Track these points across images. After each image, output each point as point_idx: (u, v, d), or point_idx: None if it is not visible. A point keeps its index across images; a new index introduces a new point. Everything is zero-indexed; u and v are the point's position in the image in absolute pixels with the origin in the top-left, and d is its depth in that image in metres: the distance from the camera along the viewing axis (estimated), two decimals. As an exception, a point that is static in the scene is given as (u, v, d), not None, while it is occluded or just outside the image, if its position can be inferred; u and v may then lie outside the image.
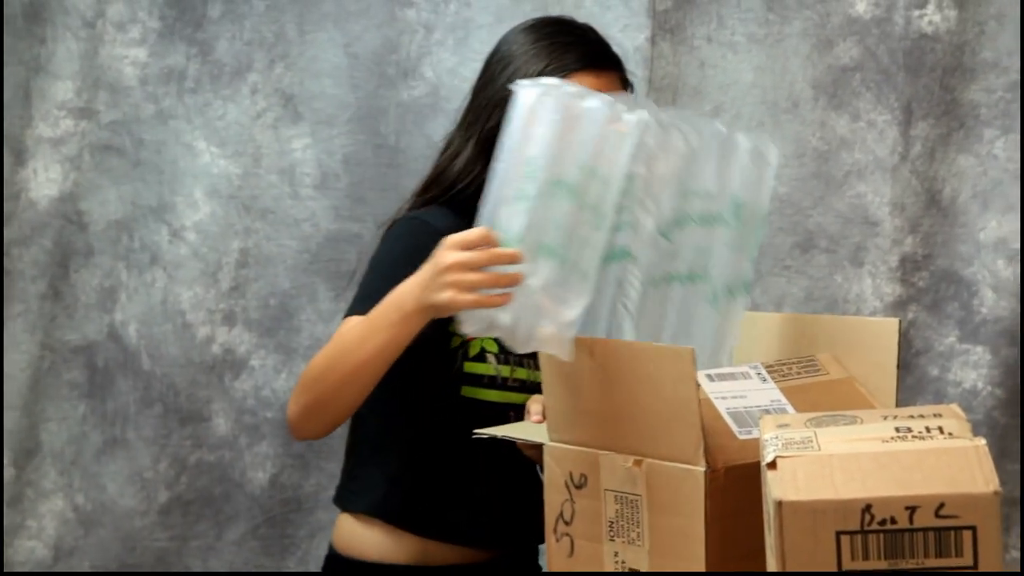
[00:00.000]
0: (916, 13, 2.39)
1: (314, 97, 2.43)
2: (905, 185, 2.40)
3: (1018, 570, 2.42)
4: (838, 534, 1.33)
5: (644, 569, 1.67)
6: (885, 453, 1.37)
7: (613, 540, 1.70)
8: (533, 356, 1.91)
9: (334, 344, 1.78)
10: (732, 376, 1.76)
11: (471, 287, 1.63)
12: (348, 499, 1.95)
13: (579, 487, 1.73)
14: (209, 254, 2.43)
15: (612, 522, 1.69)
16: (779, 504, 1.33)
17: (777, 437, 1.42)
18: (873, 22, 2.39)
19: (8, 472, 2.41)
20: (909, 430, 1.41)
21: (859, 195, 2.41)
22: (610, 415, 1.67)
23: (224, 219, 2.43)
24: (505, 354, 1.92)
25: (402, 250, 1.87)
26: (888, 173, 2.40)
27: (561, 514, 1.75)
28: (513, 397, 1.94)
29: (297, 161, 2.43)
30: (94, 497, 2.42)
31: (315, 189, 2.43)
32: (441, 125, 2.37)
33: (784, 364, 1.80)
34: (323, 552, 2.43)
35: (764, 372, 1.78)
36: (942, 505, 1.32)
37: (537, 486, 1.87)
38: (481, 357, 1.92)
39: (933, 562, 1.32)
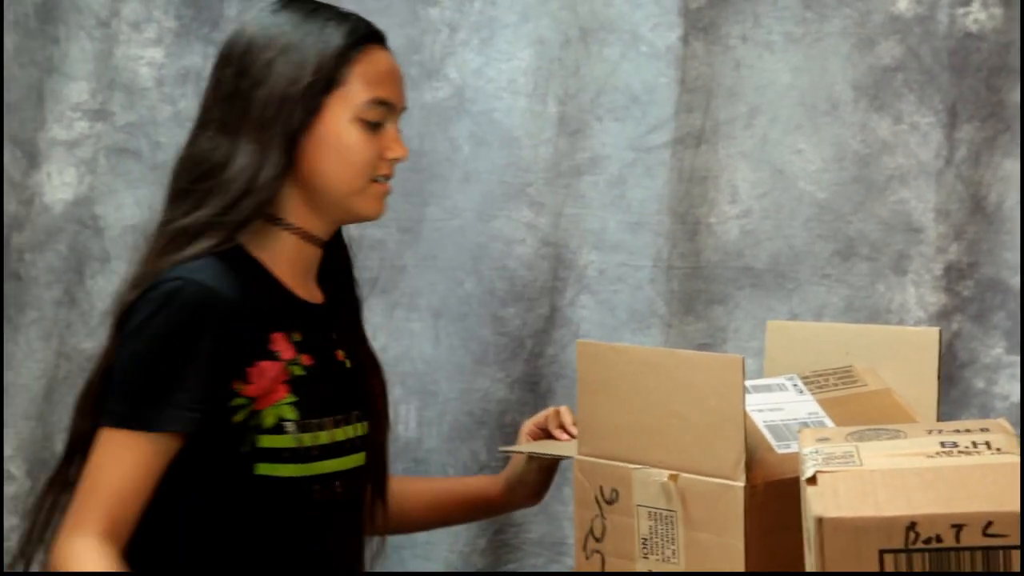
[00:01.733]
0: (960, 11, 2.35)
1: (336, 99, 2.41)
2: (950, 190, 2.37)
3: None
4: (881, 552, 1.31)
5: None
6: (930, 469, 1.36)
7: (647, 558, 1.68)
8: (337, 411, 1.77)
9: None
10: (768, 388, 1.77)
11: None
12: None
13: (610, 503, 1.71)
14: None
15: (646, 539, 1.67)
16: (820, 521, 1.32)
17: (817, 451, 1.42)
18: (916, 20, 2.35)
19: (23, 483, 2.40)
20: (955, 445, 1.41)
21: (902, 201, 2.37)
22: (647, 427, 1.66)
23: None
24: (305, 419, 1.72)
25: (189, 325, 1.64)
26: (932, 178, 2.36)
27: (591, 531, 1.74)
28: (317, 468, 1.73)
29: (318, 165, 2.41)
30: (107, 510, 2.40)
31: (337, 194, 2.41)
32: (465, 127, 2.38)
33: (820, 375, 1.80)
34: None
35: (801, 384, 1.78)
36: (990, 523, 1.30)
37: (353, 556, 1.79)
38: (278, 428, 1.69)
39: (981, 583, 1.31)
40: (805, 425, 1.69)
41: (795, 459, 1.58)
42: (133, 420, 1.64)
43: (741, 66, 2.38)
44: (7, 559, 2.37)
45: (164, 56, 2.41)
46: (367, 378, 1.87)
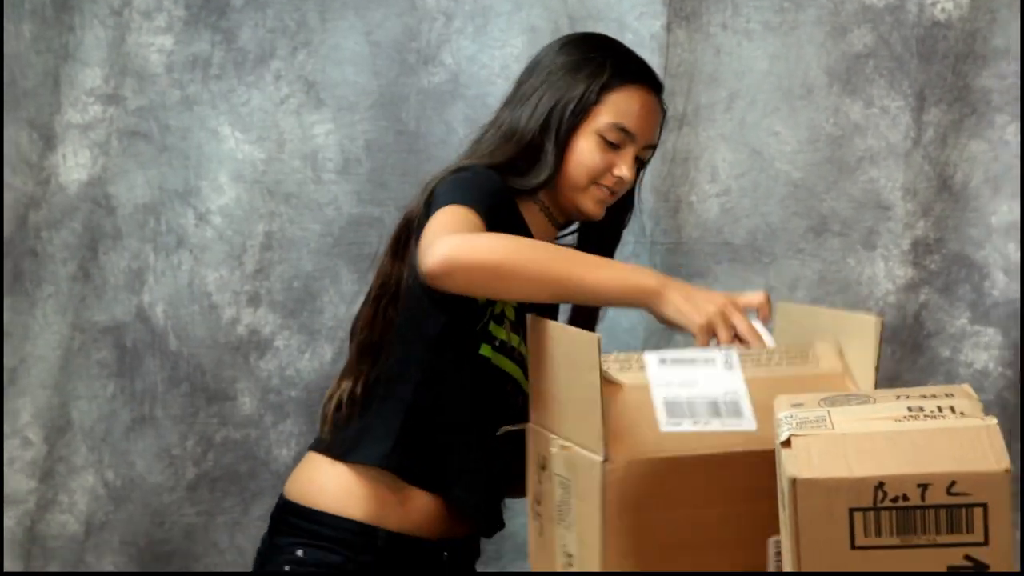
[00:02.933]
0: (929, 1, 2.39)
1: (336, 84, 2.44)
2: (917, 170, 2.41)
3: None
4: (851, 511, 1.34)
5: (573, 552, 1.65)
6: (898, 432, 1.38)
7: (560, 524, 1.70)
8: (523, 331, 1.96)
9: (548, 246, 1.84)
10: (690, 361, 1.67)
11: (731, 327, 1.73)
12: (348, 449, 1.95)
13: (544, 469, 1.74)
14: (234, 237, 2.44)
15: (559, 505, 1.69)
16: (793, 481, 1.34)
17: (791, 416, 1.43)
18: (886, 10, 2.39)
19: (41, 448, 2.43)
20: (921, 409, 1.42)
21: (872, 180, 2.42)
22: (556, 399, 1.67)
23: (248, 203, 2.44)
24: (519, 323, 1.95)
25: (495, 182, 1.94)
26: (901, 158, 2.41)
27: (536, 495, 1.77)
28: (512, 369, 1.96)
29: (320, 147, 2.44)
30: (123, 473, 2.44)
31: (337, 174, 2.44)
32: (460, 111, 2.42)
33: (766, 352, 1.73)
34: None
35: (735, 359, 1.68)
36: (953, 483, 1.33)
37: (506, 471, 1.90)
38: (500, 319, 1.95)
39: (944, 538, 1.33)
40: (713, 404, 1.63)
41: (678, 438, 1.57)
42: (469, 202, 1.86)
43: (721, 53, 2.42)
44: (26, 521, 2.44)
45: (174, 43, 2.43)
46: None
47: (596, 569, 1.57)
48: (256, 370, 2.45)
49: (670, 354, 1.66)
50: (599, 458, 1.55)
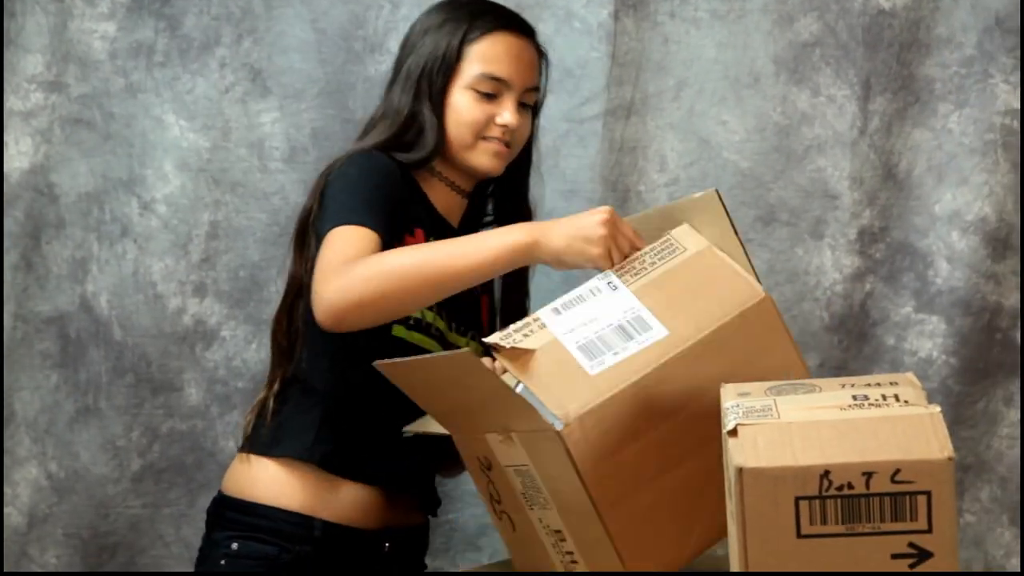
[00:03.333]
0: None
1: (282, 72, 2.42)
2: (864, 159, 2.43)
3: (960, 532, 2.46)
4: (797, 499, 1.35)
5: (560, 526, 1.67)
6: (843, 420, 1.39)
7: (532, 508, 1.71)
8: (451, 317, 2.02)
9: (415, 251, 1.83)
10: (580, 299, 1.71)
11: (621, 250, 1.74)
12: (270, 444, 1.97)
13: (490, 468, 1.74)
14: (179, 226, 2.42)
15: (523, 493, 1.70)
16: (740, 471, 1.35)
17: (738, 405, 1.44)
18: None
19: None
20: (866, 398, 1.44)
21: (819, 169, 2.43)
22: (462, 408, 1.69)
23: (194, 192, 2.42)
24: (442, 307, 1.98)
25: (383, 170, 1.96)
26: (847, 147, 2.42)
27: (491, 495, 1.78)
28: (430, 344, 1.97)
29: (266, 135, 2.43)
30: (67, 465, 2.42)
31: (284, 163, 2.43)
32: (408, 100, 2.42)
33: (636, 259, 1.75)
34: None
35: (615, 279, 1.72)
36: (898, 471, 1.34)
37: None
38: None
39: (889, 526, 1.35)
40: (620, 328, 1.66)
41: (608, 376, 1.60)
42: (356, 220, 1.87)
43: (669, 41, 2.42)
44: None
45: (117, 30, 2.40)
46: (479, 307, 2.11)
47: (598, 526, 1.60)
48: (202, 360, 2.44)
49: (559, 301, 1.69)
50: (551, 430, 1.57)
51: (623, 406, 1.60)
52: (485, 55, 2.01)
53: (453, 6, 2.07)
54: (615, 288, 1.71)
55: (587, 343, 1.65)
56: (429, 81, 2.01)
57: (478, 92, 2.00)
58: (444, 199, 2.06)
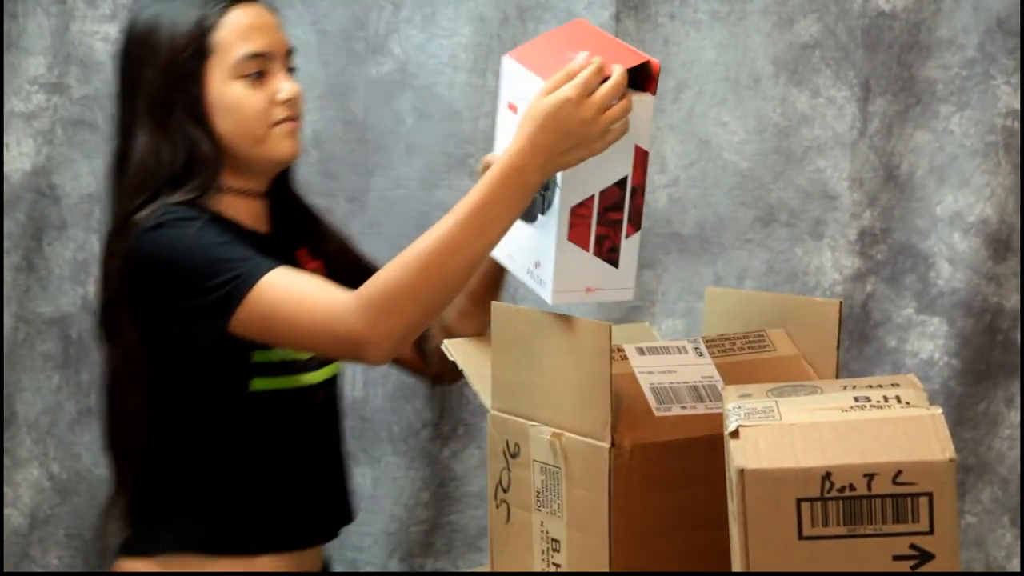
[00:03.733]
0: None
1: (283, 73, 2.43)
2: (864, 160, 2.43)
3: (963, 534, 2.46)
4: (799, 501, 1.35)
5: (562, 539, 1.67)
6: (844, 422, 1.39)
7: (539, 510, 1.70)
8: None
9: (433, 246, 1.62)
10: (666, 350, 1.74)
11: (620, 127, 1.57)
12: (148, 542, 1.79)
13: (514, 456, 1.73)
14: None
15: (539, 492, 1.70)
16: (741, 472, 1.35)
17: (740, 407, 1.44)
18: (832, 0, 2.40)
19: None
20: (868, 399, 1.44)
21: (819, 170, 2.43)
22: (541, 386, 1.67)
23: None
24: None
25: (200, 220, 1.72)
26: (847, 148, 2.42)
27: (500, 481, 1.77)
28: (312, 378, 1.81)
29: (267, 136, 2.43)
30: (69, 466, 2.42)
31: (285, 163, 2.44)
32: (409, 101, 2.41)
33: (728, 339, 1.79)
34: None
35: (703, 347, 1.76)
36: (899, 472, 1.34)
37: (340, 464, 1.82)
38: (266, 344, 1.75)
39: (891, 528, 1.34)
40: (694, 389, 1.69)
41: (672, 422, 1.63)
42: (250, 277, 1.66)
43: (669, 43, 2.42)
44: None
45: (118, 31, 2.30)
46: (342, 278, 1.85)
47: (603, 553, 1.60)
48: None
49: (646, 344, 1.72)
50: (605, 445, 1.58)
51: (674, 454, 1.61)
52: (235, 36, 1.78)
53: (163, 4, 1.81)
54: (701, 355, 1.75)
55: (660, 388, 1.67)
56: (180, 93, 1.75)
57: (246, 77, 1.77)
58: (247, 212, 1.83)
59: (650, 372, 1.69)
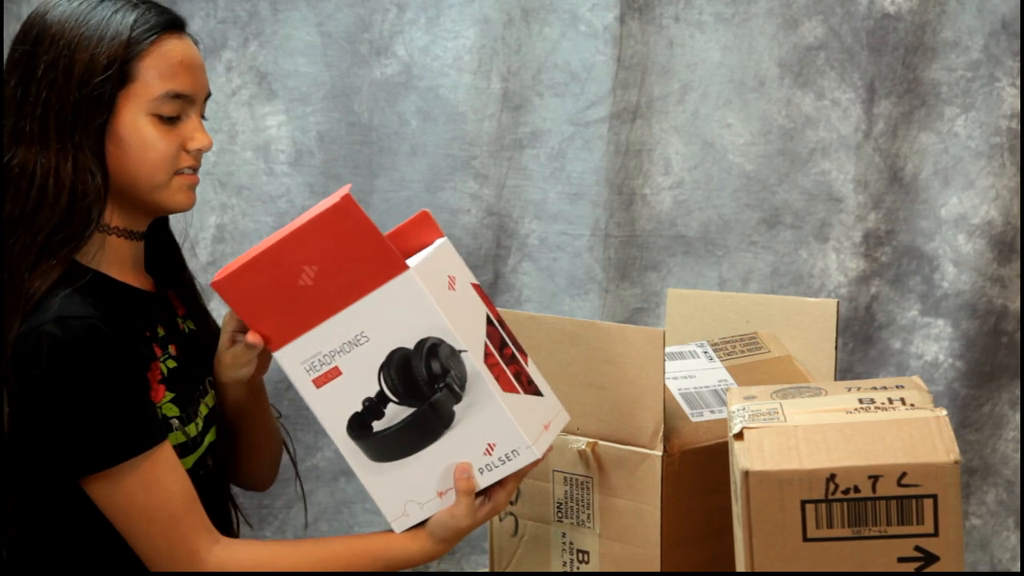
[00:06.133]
0: None
1: (288, 75, 2.42)
2: (868, 162, 2.43)
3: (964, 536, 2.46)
4: (803, 503, 1.35)
5: (593, 551, 1.66)
6: (849, 424, 1.39)
7: (561, 521, 1.68)
8: (198, 385, 1.64)
9: (311, 568, 1.54)
10: (681, 356, 1.75)
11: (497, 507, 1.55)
12: None
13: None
14: (186, 229, 2.40)
15: (560, 503, 1.68)
16: (746, 474, 1.35)
17: (744, 409, 1.44)
18: (837, 2, 2.40)
19: None
20: (872, 401, 1.44)
21: (824, 172, 2.43)
22: (563, 395, 1.64)
23: (200, 195, 2.37)
24: (185, 410, 1.60)
25: (94, 350, 1.48)
26: (852, 150, 2.42)
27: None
28: (200, 451, 1.62)
29: (272, 138, 2.43)
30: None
31: (290, 166, 2.43)
32: (413, 103, 2.41)
33: (728, 342, 1.80)
34: (300, 522, 2.44)
35: (711, 351, 1.77)
36: (904, 474, 1.34)
37: (226, 518, 1.69)
38: (167, 427, 1.57)
39: (895, 529, 1.35)
40: (716, 392, 1.69)
41: (708, 427, 1.63)
42: (133, 447, 1.50)
43: (674, 45, 2.42)
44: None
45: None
46: (208, 344, 1.70)
47: (642, 562, 1.59)
48: (208, 363, 2.42)
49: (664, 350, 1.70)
50: (657, 452, 1.58)
51: (714, 459, 1.60)
52: (162, 69, 1.55)
53: (89, 5, 1.56)
54: (711, 359, 1.75)
55: (689, 394, 1.68)
56: (86, 114, 1.52)
57: (160, 117, 1.55)
58: (129, 260, 1.62)
59: (675, 378, 1.69)
